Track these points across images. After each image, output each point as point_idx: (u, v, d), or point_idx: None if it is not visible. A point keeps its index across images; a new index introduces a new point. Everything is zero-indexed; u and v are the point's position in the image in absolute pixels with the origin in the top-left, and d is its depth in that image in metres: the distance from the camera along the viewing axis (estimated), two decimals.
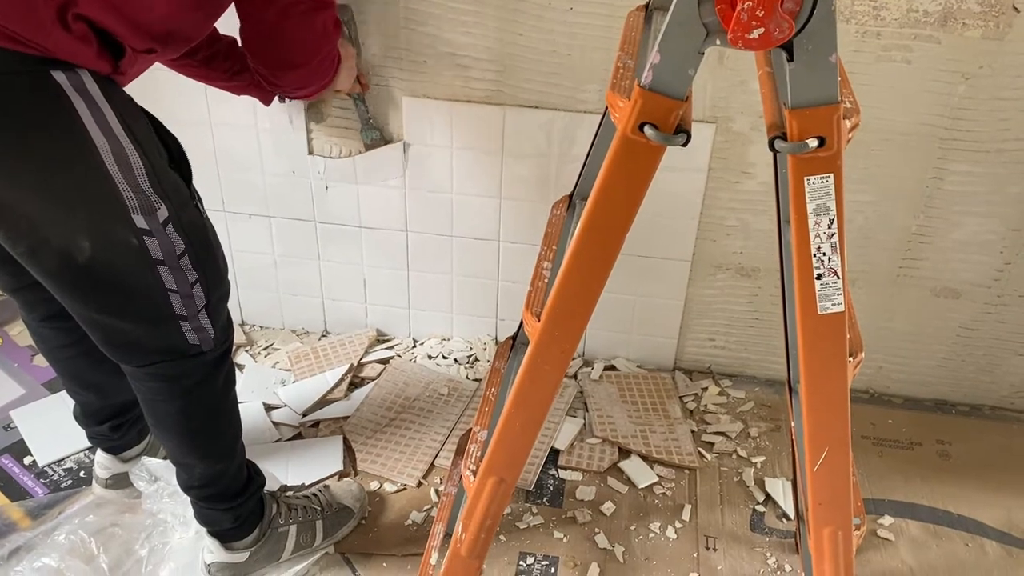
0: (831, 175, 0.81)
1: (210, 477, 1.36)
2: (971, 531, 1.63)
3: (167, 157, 1.16)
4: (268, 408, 1.84)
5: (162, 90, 1.59)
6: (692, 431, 1.83)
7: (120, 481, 1.60)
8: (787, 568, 1.55)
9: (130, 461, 1.60)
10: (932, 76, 1.55)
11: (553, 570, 1.53)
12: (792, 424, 1.30)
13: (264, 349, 2.02)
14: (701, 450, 1.79)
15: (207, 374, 1.28)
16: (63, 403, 1.70)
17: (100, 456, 1.60)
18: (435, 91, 1.71)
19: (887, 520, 1.65)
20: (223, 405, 1.35)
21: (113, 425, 1.56)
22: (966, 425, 1.89)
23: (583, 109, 1.68)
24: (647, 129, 0.80)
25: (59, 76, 1.01)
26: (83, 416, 1.57)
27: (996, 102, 1.56)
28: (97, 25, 1.02)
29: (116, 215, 1.10)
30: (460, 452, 1.51)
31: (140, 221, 1.11)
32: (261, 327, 2.09)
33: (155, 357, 1.24)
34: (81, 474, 1.68)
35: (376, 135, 1.76)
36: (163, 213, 1.13)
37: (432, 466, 1.72)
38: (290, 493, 1.57)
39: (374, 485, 1.68)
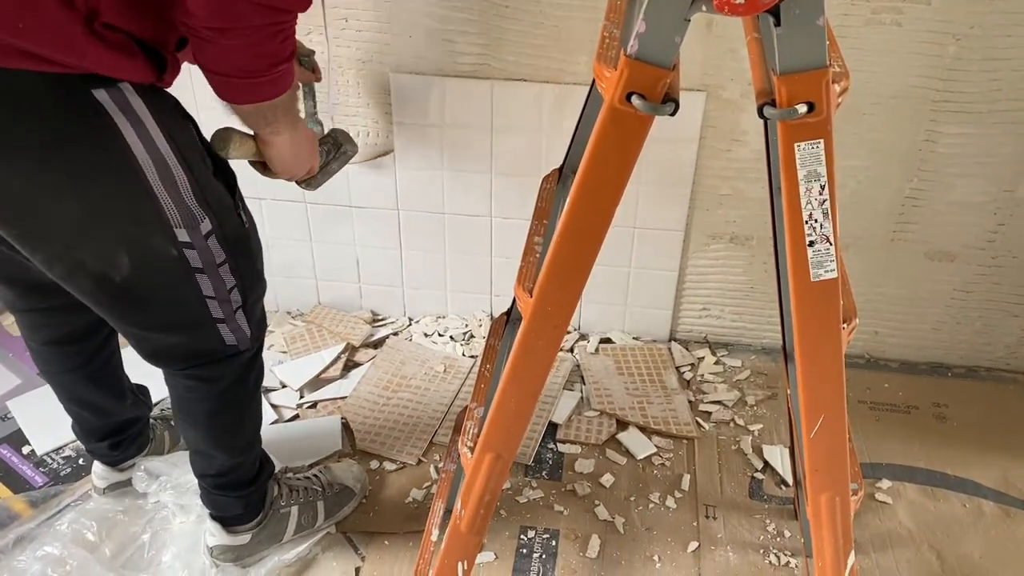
0: (821, 140, 0.81)
1: (229, 467, 1.37)
2: (968, 492, 1.65)
3: (212, 166, 1.13)
4: (265, 391, 1.83)
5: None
6: (689, 401, 1.84)
7: (117, 487, 1.58)
8: (787, 534, 1.56)
9: (128, 470, 1.58)
10: (922, 38, 1.54)
11: (554, 543, 1.54)
12: (789, 392, 1.31)
13: None
14: (699, 420, 1.80)
15: (242, 373, 1.29)
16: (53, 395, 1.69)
17: (97, 467, 1.57)
18: (422, 66, 1.70)
19: (885, 483, 1.66)
20: (252, 401, 1.36)
21: (112, 443, 1.54)
22: (962, 387, 1.90)
23: (572, 81, 1.67)
24: (635, 99, 0.79)
25: (101, 95, 0.98)
26: (81, 432, 1.53)
27: (987, 62, 1.55)
28: (127, 31, 0.98)
29: (158, 230, 1.08)
30: (458, 429, 1.51)
31: (182, 235, 1.09)
32: None
33: (194, 361, 1.24)
34: (80, 461, 1.68)
35: (319, 129, 1.68)
36: (206, 226, 1.11)
37: (431, 443, 1.73)
38: (291, 474, 1.57)
39: (374, 464, 1.68)
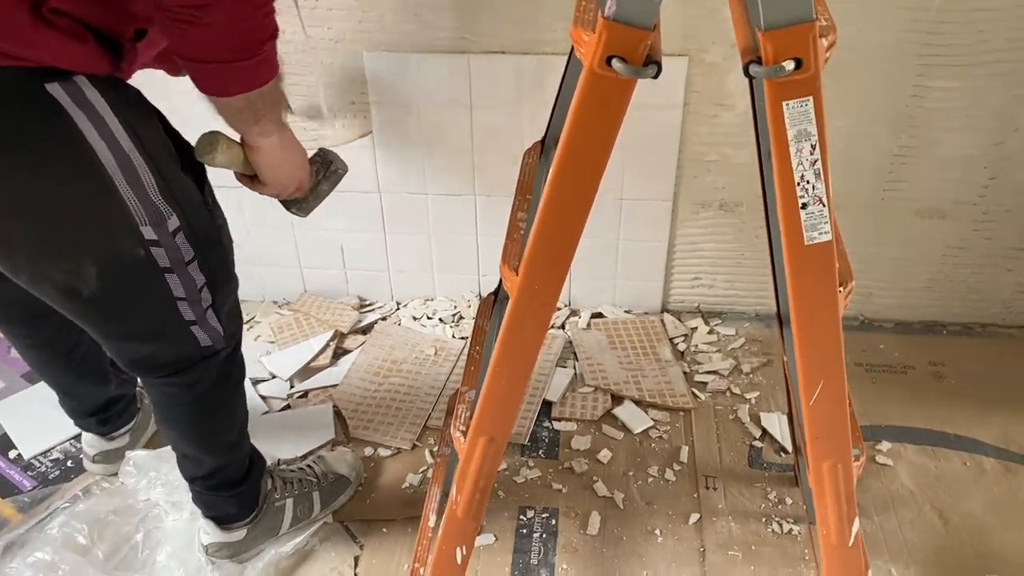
0: (810, 98, 0.77)
1: (217, 468, 1.34)
2: (969, 450, 1.63)
3: (179, 161, 1.08)
4: (254, 382, 1.80)
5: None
6: (684, 372, 1.82)
7: (108, 456, 1.59)
8: (788, 502, 1.55)
9: (117, 439, 1.59)
10: None
11: (554, 522, 1.52)
12: (785, 358, 1.28)
13: (246, 323, 1.98)
14: (694, 390, 1.78)
15: (221, 373, 1.25)
16: (45, 394, 1.66)
17: (87, 436, 1.59)
18: (397, 43, 1.65)
19: (885, 446, 1.64)
20: (235, 400, 1.33)
21: (100, 419, 1.56)
22: (958, 345, 1.88)
23: (552, 51, 1.63)
24: (615, 63, 0.75)
25: (54, 89, 0.92)
26: (68, 411, 1.55)
27: (974, 13, 1.52)
28: (77, 17, 0.92)
29: (124, 232, 1.04)
30: (451, 413, 1.49)
31: (148, 232, 1.05)
32: (242, 300, 2.03)
33: (172, 368, 1.20)
34: (68, 464, 1.65)
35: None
36: (173, 223, 1.07)
37: (425, 428, 1.70)
38: (284, 466, 1.55)
39: (368, 451, 1.66)
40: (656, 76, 0.77)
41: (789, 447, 1.63)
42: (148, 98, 1.07)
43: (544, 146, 1.18)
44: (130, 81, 1.05)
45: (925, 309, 1.92)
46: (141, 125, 1.02)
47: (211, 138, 1.10)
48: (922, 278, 1.87)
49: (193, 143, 1.12)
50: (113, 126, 0.98)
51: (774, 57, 0.75)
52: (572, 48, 1.07)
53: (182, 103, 1.12)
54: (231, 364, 1.27)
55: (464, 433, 1.07)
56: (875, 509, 1.52)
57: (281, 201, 1.29)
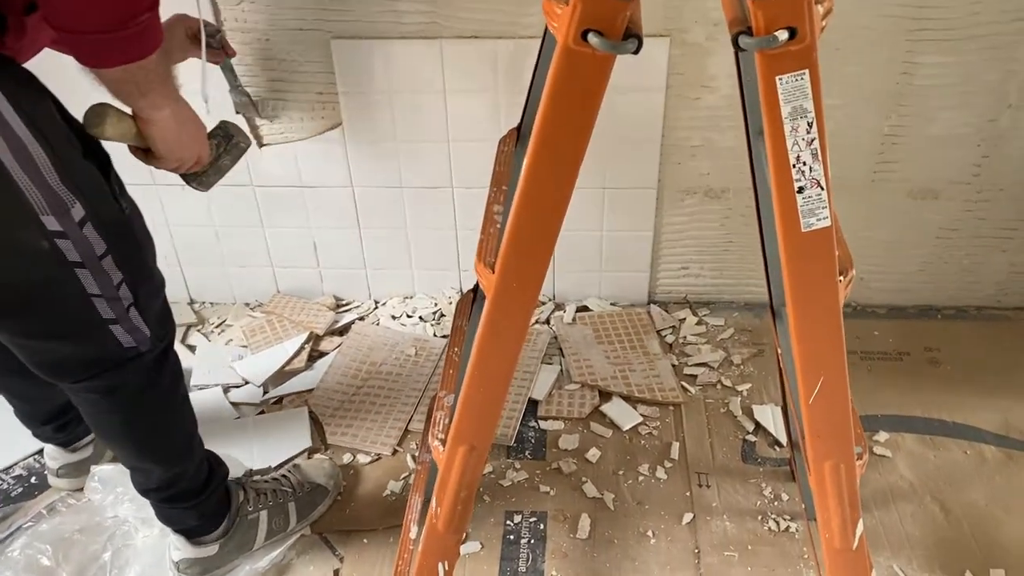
0: (806, 71, 0.71)
1: (169, 479, 1.27)
2: (968, 438, 1.58)
3: (80, 147, 1.01)
4: (226, 389, 1.73)
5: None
6: (673, 365, 1.76)
7: (73, 470, 1.52)
8: (784, 498, 1.49)
9: (79, 450, 1.53)
10: None
11: (542, 526, 1.46)
12: (779, 349, 1.22)
13: (217, 326, 1.91)
14: (684, 384, 1.72)
15: (150, 377, 1.17)
16: (3, 408, 1.58)
17: (49, 448, 1.52)
18: (365, 30, 1.58)
19: (882, 436, 1.59)
20: (172, 405, 1.24)
21: (57, 426, 1.48)
22: (953, 329, 1.83)
23: (528, 35, 1.56)
24: (591, 37, 0.68)
25: None
26: (23, 419, 1.48)
27: None
28: None
29: (21, 219, 0.96)
30: (432, 417, 1.42)
31: (51, 223, 0.98)
32: (211, 303, 1.97)
33: (91, 371, 1.12)
34: (32, 480, 1.57)
35: (244, 99, 1.60)
36: (78, 212, 0.99)
37: (406, 432, 1.64)
38: (257, 477, 1.48)
39: (347, 458, 1.59)
40: (636, 51, 0.70)
41: (784, 440, 1.57)
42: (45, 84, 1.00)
43: (520, 134, 1.11)
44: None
45: (919, 293, 1.87)
46: (32, 104, 0.95)
47: (99, 110, 1.06)
48: (915, 261, 1.82)
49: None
50: (1, 105, 0.90)
51: (766, 27, 0.68)
52: (547, 27, 1.01)
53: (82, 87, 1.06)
54: (161, 367, 1.18)
55: (443, 442, 1.01)
56: (875, 503, 1.47)
57: (181, 175, 1.26)
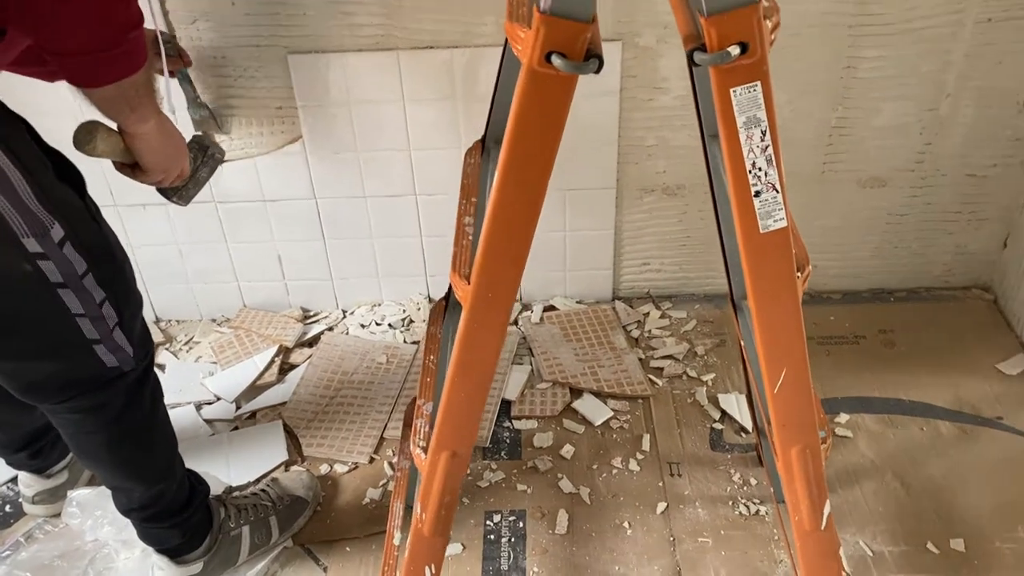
0: (758, 83, 0.75)
1: (151, 498, 1.27)
2: (924, 415, 1.65)
3: (52, 169, 1.02)
4: (198, 406, 1.73)
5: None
6: (640, 359, 1.80)
7: (49, 496, 1.52)
8: (753, 482, 1.54)
9: (54, 476, 1.52)
10: None
11: (521, 524, 1.49)
12: (741, 341, 1.27)
13: (184, 344, 1.91)
14: (651, 377, 1.76)
15: (132, 396, 1.18)
16: None
17: (23, 476, 1.51)
18: (321, 44, 1.59)
19: (843, 417, 1.65)
20: (153, 424, 1.25)
21: (30, 453, 1.47)
22: (905, 311, 1.90)
23: (483, 43, 1.59)
24: (555, 59, 0.72)
25: None
26: None
27: None
28: None
29: (3, 243, 0.97)
30: (408, 423, 1.45)
31: (32, 245, 0.99)
32: (177, 321, 1.96)
33: (73, 391, 1.13)
34: (7, 508, 1.56)
35: (204, 112, 1.60)
36: (57, 232, 1.00)
37: (382, 439, 1.66)
38: (237, 493, 1.49)
39: (324, 468, 1.61)
40: (598, 71, 0.73)
41: (749, 427, 1.62)
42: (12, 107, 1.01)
43: (484, 146, 1.14)
44: None
45: (871, 277, 1.93)
46: (6, 130, 0.96)
47: (89, 127, 1.09)
48: (867, 247, 1.88)
49: (65, 151, 1.08)
50: None
51: (719, 43, 0.72)
52: (506, 42, 1.04)
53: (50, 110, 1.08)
54: (143, 385, 1.20)
55: (424, 449, 1.03)
56: (839, 482, 1.53)
57: (160, 191, 1.28)
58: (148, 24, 1.32)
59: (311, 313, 1.97)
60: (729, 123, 0.77)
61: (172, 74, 1.51)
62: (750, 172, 0.80)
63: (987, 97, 1.66)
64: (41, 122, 1.06)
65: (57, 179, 1.02)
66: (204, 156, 1.37)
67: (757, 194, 0.81)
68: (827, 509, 1.04)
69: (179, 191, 1.32)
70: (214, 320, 1.97)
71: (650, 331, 1.88)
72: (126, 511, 1.29)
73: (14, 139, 0.97)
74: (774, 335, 0.91)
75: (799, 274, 0.88)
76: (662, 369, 1.78)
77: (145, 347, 1.18)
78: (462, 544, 1.46)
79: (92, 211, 1.08)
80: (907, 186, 1.78)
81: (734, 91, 0.75)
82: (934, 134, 1.71)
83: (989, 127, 1.70)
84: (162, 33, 1.43)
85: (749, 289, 0.87)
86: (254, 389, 1.77)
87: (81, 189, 1.08)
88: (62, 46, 0.94)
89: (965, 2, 1.54)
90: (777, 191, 0.81)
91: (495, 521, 1.50)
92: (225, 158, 1.53)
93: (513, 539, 1.47)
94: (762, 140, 0.78)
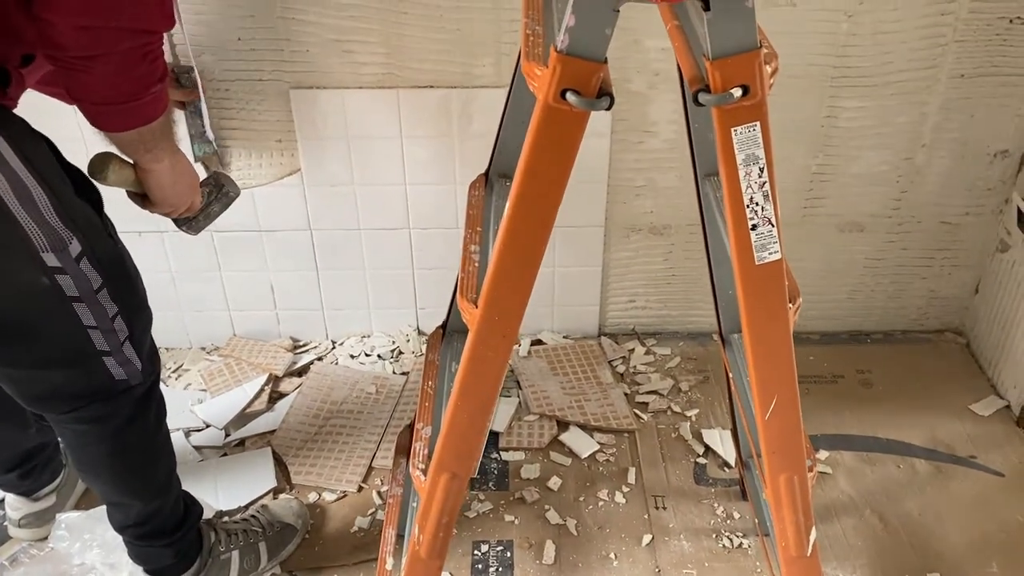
0: (757, 123, 0.80)
1: (147, 514, 1.28)
2: (901, 453, 1.70)
3: (72, 186, 1.06)
4: (187, 433, 1.74)
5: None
6: (625, 394, 1.84)
7: (35, 519, 1.51)
8: (736, 515, 1.57)
9: (42, 499, 1.51)
10: (817, 16, 1.58)
11: (508, 554, 1.51)
12: (730, 375, 1.31)
13: (174, 371, 1.91)
14: (637, 411, 1.80)
15: (138, 410, 1.20)
16: None
17: (10, 498, 1.50)
18: (323, 80, 1.64)
19: (823, 454, 1.69)
20: (157, 439, 1.27)
21: (21, 473, 1.47)
22: (882, 352, 1.96)
23: (479, 84, 1.64)
24: (569, 96, 0.76)
25: None
26: None
27: (878, 36, 1.60)
28: None
29: (22, 256, 1.00)
30: (400, 451, 1.46)
31: (51, 259, 1.02)
32: (167, 349, 1.97)
33: (81, 401, 1.14)
34: None
35: (209, 149, 1.63)
36: (75, 248, 1.03)
37: (371, 468, 1.67)
38: (227, 518, 1.49)
39: (312, 497, 1.61)
40: (609, 108, 0.78)
41: (733, 462, 1.66)
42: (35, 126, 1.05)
43: (488, 179, 1.18)
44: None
45: (848, 320, 2.00)
46: (30, 147, 1.00)
47: (103, 158, 1.13)
48: (845, 290, 1.95)
49: (84, 168, 1.12)
50: (1, 147, 0.95)
51: (722, 85, 0.77)
52: (513, 81, 1.09)
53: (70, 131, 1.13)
54: (148, 401, 1.22)
55: (424, 471, 1.06)
56: (818, 517, 1.56)
57: (173, 220, 1.33)
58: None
59: (301, 343, 1.98)
60: (729, 160, 0.82)
61: (183, 106, 1.55)
62: (748, 206, 0.84)
63: (961, 148, 1.74)
64: (62, 143, 1.09)
65: (76, 196, 1.05)
66: (219, 192, 1.40)
67: (754, 227, 0.86)
68: (813, 536, 1.08)
69: (190, 222, 1.35)
70: (203, 348, 1.98)
71: (635, 367, 1.92)
72: (121, 527, 1.29)
73: (38, 157, 1.00)
74: (766, 363, 0.95)
75: (791, 305, 0.93)
76: (647, 404, 1.82)
77: (153, 363, 1.20)
78: (449, 573, 1.47)
79: (108, 228, 1.12)
80: (884, 232, 1.85)
81: (735, 130, 0.80)
82: (910, 182, 1.79)
83: (963, 177, 1.78)
84: (180, 65, 1.46)
85: (744, 318, 0.92)
86: (243, 417, 1.78)
87: (99, 206, 1.11)
88: (90, 97, 1.00)
89: (939, 59, 1.63)
90: (772, 225, 0.86)
91: (483, 551, 1.51)
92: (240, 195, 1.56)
93: (501, 569, 1.48)
94: (760, 176, 0.83)
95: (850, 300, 1.96)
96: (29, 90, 1.08)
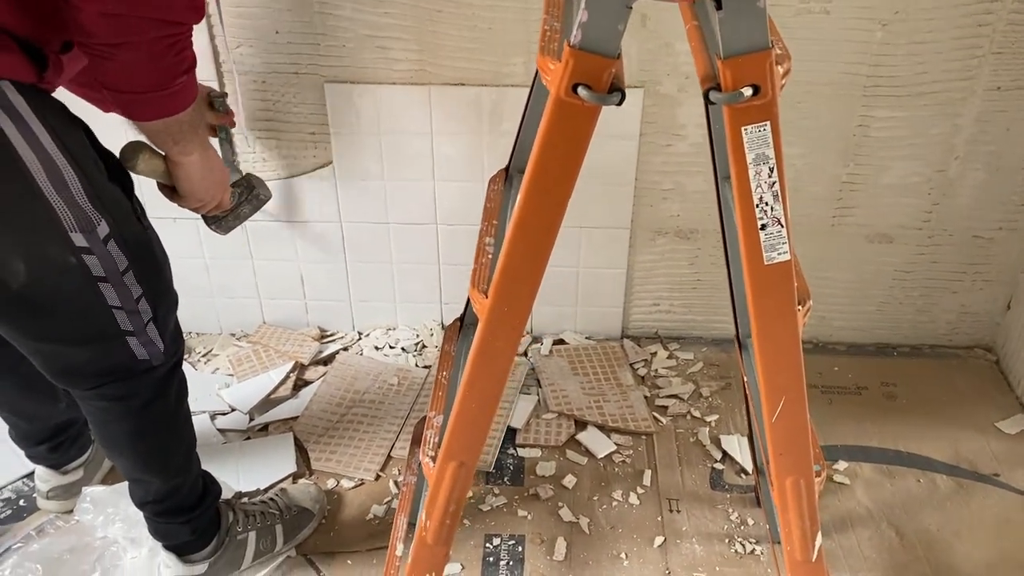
0: (767, 123, 0.81)
1: (167, 492, 1.32)
2: (922, 467, 1.68)
3: (105, 171, 1.10)
4: (212, 416, 1.78)
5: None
6: (645, 397, 1.84)
7: (63, 492, 1.56)
8: (750, 522, 1.57)
9: (70, 473, 1.56)
10: (850, 24, 1.57)
11: (520, 549, 1.52)
12: (745, 379, 1.31)
13: (203, 356, 1.96)
14: (656, 414, 1.80)
15: (159, 389, 1.24)
16: None
17: (40, 470, 1.55)
18: (357, 75, 1.67)
19: (842, 465, 1.68)
20: (177, 419, 1.30)
21: (51, 446, 1.52)
22: (908, 366, 1.93)
23: (509, 83, 1.66)
24: (581, 90, 0.78)
25: None
26: (18, 438, 1.52)
27: (913, 46, 1.59)
28: (5, 27, 0.95)
29: (51, 235, 1.04)
30: (416, 441, 1.49)
31: (79, 239, 1.05)
32: (197, 334, 2.02)
33: (104, 379, 1.18)
34: (21, 503, 1.60)
35: (239, 180, 1.56)
36: (103, 229, 1.07)
37: (389, 458, 1.70)
38: (246, 500, 1.53)
39: (331, 483, 1.64)
40: (620, 103, 0.79)
41: (749, 468, 1.65)
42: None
43: (508, 174, 1.20)
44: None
45: (876, 332, 1.97)
46: (65, 131, 1.03)
47: (134, 147, 1.17)
48: (873, 301, 1.93)
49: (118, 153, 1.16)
50: (37, 130, 0.98)
51: (733, 84, 0.78)
52: (535, 78, 1.10)
53: (111, 116, 1.16)
54: (170, 381, 1.25)
55: (433, 458, 1.08)
56: (835, 528, 1.55)
57: (202, 216, 1.35)
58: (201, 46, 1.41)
59: (328, 333, 2.02)
60: (739, 159, 0.83)
61: (214, 131, 1.54)
62: (757, 206, 0.85)
63: (996, 161, 1.72)
64: (102, 128, 1.14)
65: (108, 180, 1.09)
66: (250, 195, 1.43)
67: (763, 227, 0.86)
68: (818, 541, 1.08)
69: (219, 221, 1.38)
70: (233, 334, 2.02)
71: (657, 370, 1.92)
72: (141, 503, 1.33)
73: (72, 140, 1.03)
74: (774, 364, 0.95)
75: (800, 307, 0.93)
76: (667, 407, 1.82)
77: (176, 344, 1.24)
78: (461, 564, 1.49)
79: (138, 211, 1.15)
80: (914, 244, 1.83)
81: (745, 129, 0.81)
82: (942, 195, 1.76)
83: (996, 191, 1.75)
84: (212, 90, 1.48)
85: (752, 318, 0.92)
86: (268, 402, 1.81)
87: (129, 190, 1.15)
88: (119, 85, 1.03)
89: (976, 70, 1.61)
90: (782, 225, 0.86)
91: (495, 544, 1.53)
92: (271, 198, 1.58)
93: (511, 563, 1.49)
94: (769, 176, 0.83)
95: (878, 312, 1.94)
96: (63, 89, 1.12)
